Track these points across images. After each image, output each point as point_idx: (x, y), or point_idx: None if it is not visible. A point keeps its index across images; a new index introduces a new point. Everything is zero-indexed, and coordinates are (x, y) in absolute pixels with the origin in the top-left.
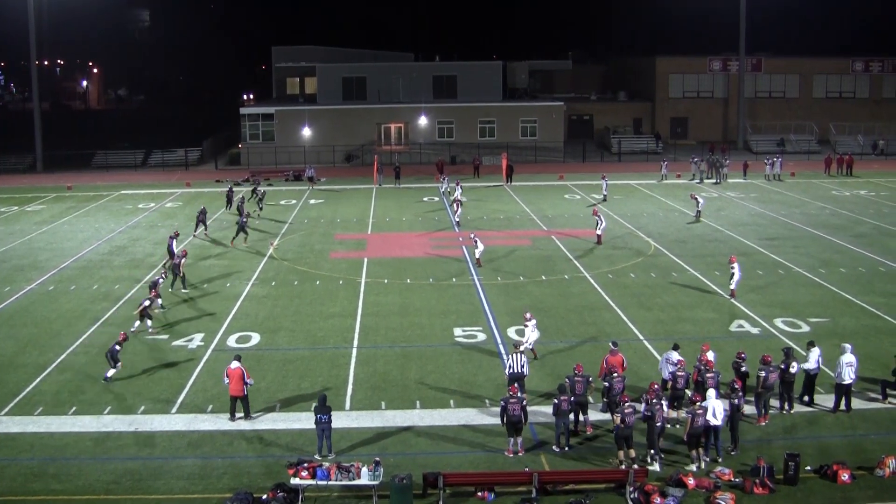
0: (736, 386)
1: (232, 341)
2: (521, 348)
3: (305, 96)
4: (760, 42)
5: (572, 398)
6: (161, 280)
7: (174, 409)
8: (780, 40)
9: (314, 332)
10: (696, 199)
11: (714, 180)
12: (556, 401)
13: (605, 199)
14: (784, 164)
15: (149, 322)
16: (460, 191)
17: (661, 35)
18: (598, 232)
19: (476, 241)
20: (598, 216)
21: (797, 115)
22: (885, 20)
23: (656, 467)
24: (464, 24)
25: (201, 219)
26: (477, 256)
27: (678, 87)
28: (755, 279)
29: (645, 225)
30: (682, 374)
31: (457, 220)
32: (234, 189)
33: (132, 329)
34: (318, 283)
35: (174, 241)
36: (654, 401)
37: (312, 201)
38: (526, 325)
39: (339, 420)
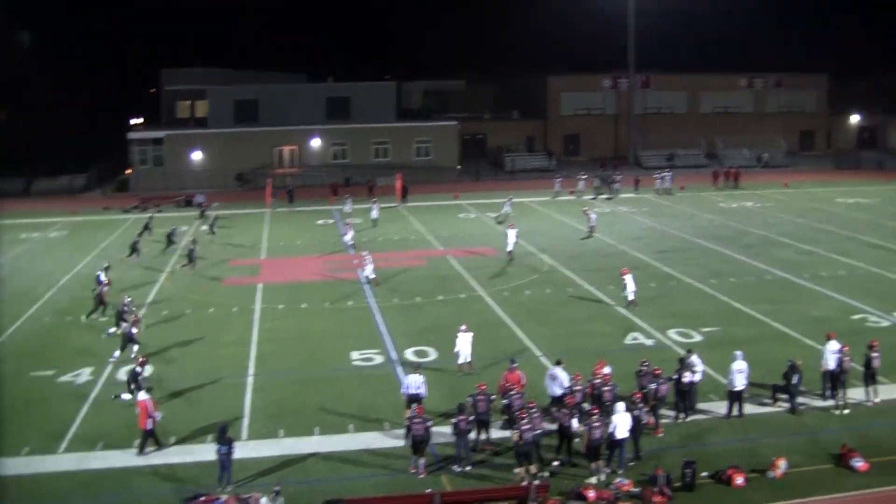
0: (636, 399)
1: (122, 374)
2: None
3: (196, 120)
4: (649, 60)
5: (472, 417)
6: (125, 309)
7: (62, 448)
8: (669, 58)
9: (209, 362)
10: (587, 214)
11: (606, 196)
12: (454, 420)
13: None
14: (674, 179)
15: (135, 347)
16: (376, 211)
17: (553, 54)
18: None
19: (365, 261)
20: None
21: (686, 130)
22: (769, 38)
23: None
24: (357, 45)
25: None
26: (369, 276)
27: (570, 105)
28: (648, 291)
29: (539, 242)
30: (579, 388)
31: (351, 242)
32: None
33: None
34: (211, 310)
35: (103, 272)
36: (564, 411)
37: (204, 227)
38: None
39: (237, 450)
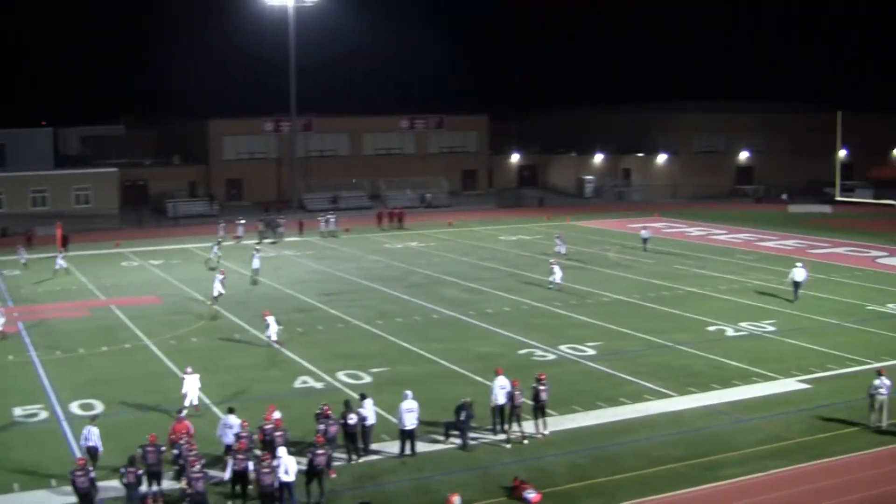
0: (317, 441)
1: None
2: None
3: None
4: (312, 103)
5: (140, 471)
6: None
7: None
8: (331, 101)
9: None
10: (254, 257)
11: (271, 240)
12: (122, 469)
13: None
14: (338, 221)
15: None
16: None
17: (214, 98)
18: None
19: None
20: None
21: (349, 172)
22: (430, 81)
23: None
24: (10, 91)
25: None
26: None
27: (232, 149)
28: (316, 335)
29: (205, 289)
30: (245, 434)
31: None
32: None
33: None
34: None
35: None
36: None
37: None
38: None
39: None
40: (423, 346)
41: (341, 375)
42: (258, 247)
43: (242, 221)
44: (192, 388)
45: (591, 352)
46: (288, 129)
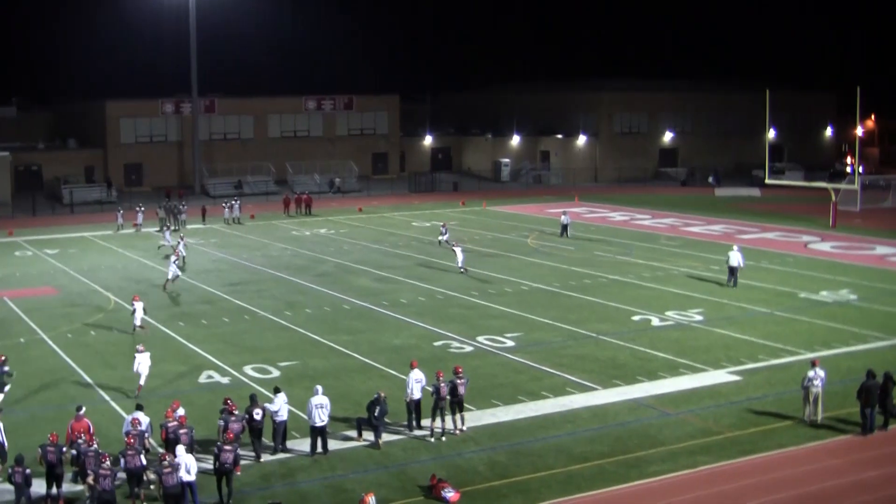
0: (228, 438)
1: None
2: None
3: None
4: (213, 84)
5: (28, 470)
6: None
7: None
8: (233, 82)
9: None
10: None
11: (173, 227)
12: (10, 470)
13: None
14: (243, 207)
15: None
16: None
17: (111, 79)
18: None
19: None
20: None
21: (253, 155)
22: (339, 61)
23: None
24: None
25: None
26: None
27: (131, 132)
28: (221, 327)
29: (104, 279)
30: (136, 432)
31: None
32: None
33: None
34: None
35: None
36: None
37: None
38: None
39: None
40: (333, 339)
41: (248, 370)
42: (179, 245)
43: (142, 208)
44: (143, 366)
45: (511, 343)
46: (189, 110)
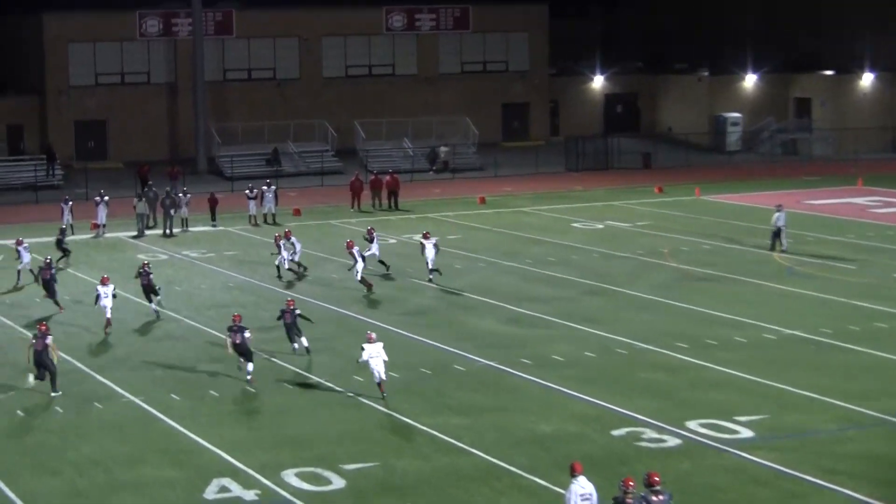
0: None
1: None
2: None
3: None
4: None
5: None
6: None
7: None
8: None
9: None
10: None
11: (162, 230)
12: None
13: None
14: (281, 196)
15: None
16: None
17: None
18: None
19: None
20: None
21: (298, 109)
22: None
23: None
24: None
25: None
26: None
27: (87, 68)
28: (243, 403)
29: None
30: None
31: None
32: None
33: None
34: None
35: None
36: None
37: None
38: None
39: None
40: (436, 423)
41: (290, 476)
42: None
43: (105, 198)
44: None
45: (747, 433)
46: (188, 30)
